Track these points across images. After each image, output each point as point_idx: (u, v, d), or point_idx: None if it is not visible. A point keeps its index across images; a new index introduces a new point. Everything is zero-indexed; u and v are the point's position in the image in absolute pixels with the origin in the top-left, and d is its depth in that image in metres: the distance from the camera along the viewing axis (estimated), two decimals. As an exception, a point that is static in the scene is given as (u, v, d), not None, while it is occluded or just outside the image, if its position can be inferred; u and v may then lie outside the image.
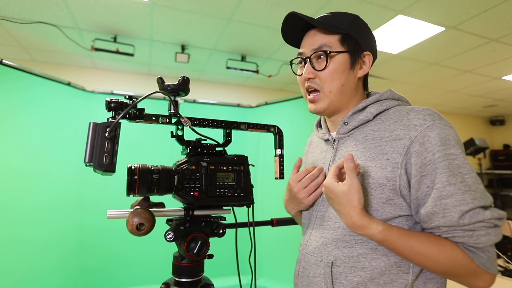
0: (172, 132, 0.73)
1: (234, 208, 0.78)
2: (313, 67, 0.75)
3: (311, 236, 0.79)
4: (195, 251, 0.67)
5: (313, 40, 0.76)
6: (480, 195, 0.60)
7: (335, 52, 0.73)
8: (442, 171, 0.60)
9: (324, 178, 0.79)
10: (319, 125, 0.92)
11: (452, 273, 0.62)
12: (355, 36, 0.74)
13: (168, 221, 0.73)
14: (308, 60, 0.76)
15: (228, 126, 0.79)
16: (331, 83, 0.74)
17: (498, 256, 4.03)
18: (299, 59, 0.80)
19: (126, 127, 0.78)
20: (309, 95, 0.78)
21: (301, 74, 0.78)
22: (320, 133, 0.88)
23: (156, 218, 0.65)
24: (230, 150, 0.77)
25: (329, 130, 0.85)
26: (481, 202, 0.60)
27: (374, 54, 0.79)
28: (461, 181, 0.60)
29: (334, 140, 0.80)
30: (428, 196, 0.62)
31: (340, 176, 0.67)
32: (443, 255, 0.61)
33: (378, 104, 0.74)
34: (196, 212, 0.72)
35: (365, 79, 0.83)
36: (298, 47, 0.82)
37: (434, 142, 0.62)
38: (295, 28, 0.79)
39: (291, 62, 0.84)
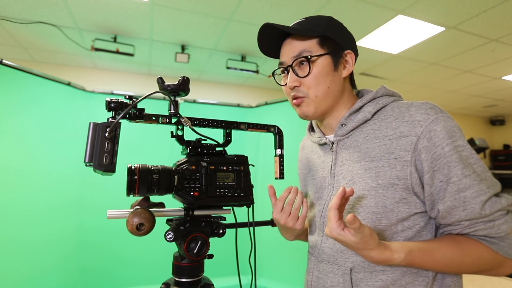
0: (172, 132, 0.73)
1: (234, 208, 0.77)
2: (297, 75, 0.74)
3: (322, 243, 0.76)
4: (195, 251, 0.67)
5: (292, 48, 0.74)
6: (491, 183, 0.61)
7: (316, 55, 0.72)
8: (455, 164, 0.60)
9: (301, 196, 0.79)
10: (311, 129, 0.91)
11: (480, 270, 0.63)
12: (333, 37, 0.73)
13: (168, 221, 0.73)
14: (290, 68, 0.75)
15: (228, 126, 0.78)
16: (317, 88, 0.73)
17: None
18: (281, 69, 0.78)
19: (126, 127, 0.78)
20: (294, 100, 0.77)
21: (285, 84, 0.77)
22: (314, 137, 0.86)
23: (156, 218, 0.65)
24: (230, 150, 0.77)
25: (323, 134, 0.83)
26: (494, 190, 0.61)
27: (355, 52, 0.78)
28: (473, 172, 0.60)
29: (333, 143, 0.78)
30: (443, 190, 0.61)
31: (341, 214, 0.61)
32: (470, 258, 0.61)
33: (374, 102, 0.73)
34: (196, 212, 0.72)
35: (351, 78, 0.82)
36: (278, 57, 0.81)
37: (442, 136, 0.62)
38: (271, 38, 0.78)
39: (273, 74, 0.82)
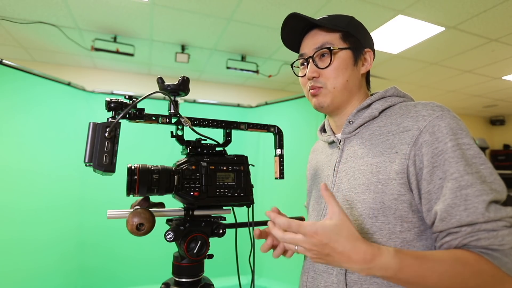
0: (172, 132, 0.73)
1: (234, 208, 0.77)
2: (316, 66, 0.75)
3: None
4: (195, 251, 0.67)
5: (314, 40, 0.76)
6: (498, 187, 0.56)
7: (338, 48, 0.74)
8: (457, 160, 0.57)
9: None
10: (322, 130, 0.92)
11: (479, 287, 0.55)
12: (355, 34, 0.76)
13: (168, 221, 0.73)
14: (310, 59, 0.76)
15: (228, 126, 0.78)
16: (336, 79, 0.74)
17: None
18: (301, 60, 0.80)
19: (126, 127, 0.78)
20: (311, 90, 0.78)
21: (304, 75, 0.79)
22: (324, 137, 0.87)
23: (156, 218, 0.65)
24: (230, 150, 0.77)
25: (334, 133, 0.84)
26: (499, 195, 0.56)
27: (374, 51, 0.80)
28: (477, 171, 0.56)
29: (340, 141, 0.79)
30: (442, 188, 0.57)
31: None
32: (469, 271, 0.53)
33: (383, 101, 0.74)
34: (196, 212, 0.72)
35: (367, 77, 0.83)
36: (297, 51, 0.83)
37: (445, 132, 0.59)
38: (294, 30, 0.79)
39: (292, 65, 0.84)
